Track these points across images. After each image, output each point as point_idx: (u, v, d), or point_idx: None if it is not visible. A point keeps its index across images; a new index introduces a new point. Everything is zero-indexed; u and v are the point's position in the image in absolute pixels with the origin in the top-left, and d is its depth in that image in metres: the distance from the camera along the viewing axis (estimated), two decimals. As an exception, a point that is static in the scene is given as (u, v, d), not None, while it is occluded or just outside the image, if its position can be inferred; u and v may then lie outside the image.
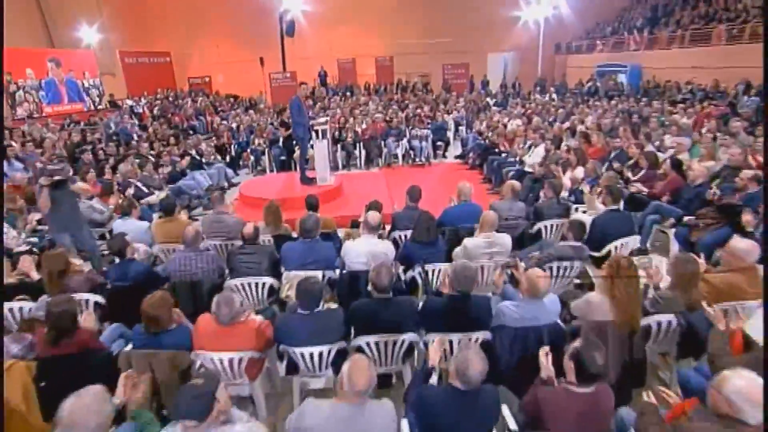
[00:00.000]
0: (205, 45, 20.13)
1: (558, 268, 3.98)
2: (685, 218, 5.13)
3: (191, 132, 11.84)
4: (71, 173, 5.48)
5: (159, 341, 3.05)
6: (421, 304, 3.28)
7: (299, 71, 18.34)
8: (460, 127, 13.02)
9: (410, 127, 10.91)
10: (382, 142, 10.55)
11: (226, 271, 4.11)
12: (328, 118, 7.74)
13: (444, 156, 11.19)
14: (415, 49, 20.16)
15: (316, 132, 7.44)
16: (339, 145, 10.40)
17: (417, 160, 10.38)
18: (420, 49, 20.22)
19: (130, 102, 14.15)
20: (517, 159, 7.97)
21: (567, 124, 9.45)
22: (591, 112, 10.88)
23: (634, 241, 4.53)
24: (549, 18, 19.60)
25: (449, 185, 8.91)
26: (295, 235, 4.63)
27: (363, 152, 10.46)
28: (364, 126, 10.85)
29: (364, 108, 13.70)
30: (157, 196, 6.54)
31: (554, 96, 15.73)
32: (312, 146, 7.65)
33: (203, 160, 8.59)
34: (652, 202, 5.54)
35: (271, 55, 18.87)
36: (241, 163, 10.41)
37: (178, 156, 8.17)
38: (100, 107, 14.68)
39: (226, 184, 8.94)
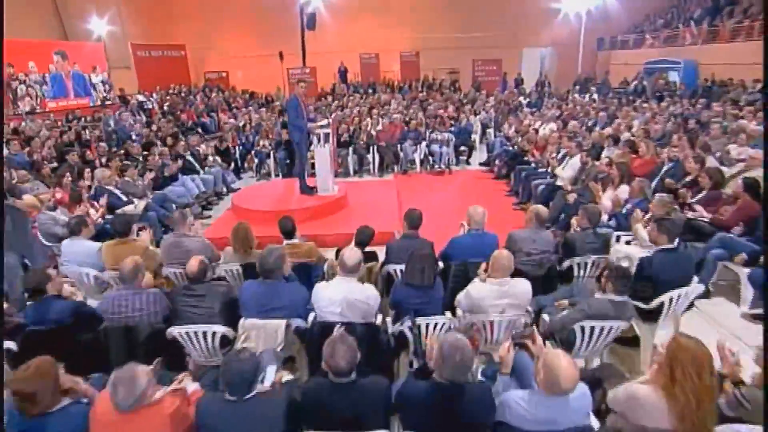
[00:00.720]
0: (224, 39, 19.66)
1: (592, 329, 2.99)
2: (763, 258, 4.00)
3: (198, 130, 11.26)
4: (15, 182, 4.87)
5: (42, 427, 2.27)
6: (396, 389, 2.38)
7: (319, 66, 17.65)
8: (488, 130, 11.94)
9: (430, 130, 9.94)
10: (399, 146, 9.64)
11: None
12: (329, 121, 6.88)
13: (467, 162, 10.16)
14: (443, 43, 19.03)
15: (317, 136, 6.63)
16: (351, 149, 9.56)
17: (436, 166, 9.41)
18: (449, 44, 19.07)
19: (141, 97, 13.74)
20: (549, 170, 6.89)
21: (609, 130, 8.25)
22: (638, 115, 9.58)
23: (694, 291, 3.47)
24: (592, 10, 18.04)
25: (470, 197, 7.93)
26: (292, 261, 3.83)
27: (377, 157, 9.57)
28: (380, 127, 9.95)
29: (384, 108, 12.82)
30: (135, 206, 5.88)
31: (595, 96, 14.33)
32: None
33: (198, 163, 7.89)
34: (717, 232, 4.42)
35: (291, 50, 18.23)
36: (245, 165, 9.74)
37: (171, 158, 7.52)
38: (108, 102, 14.34)
39: (224, 190, 8.27)
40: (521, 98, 14.85)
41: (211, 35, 19.50)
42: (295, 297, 3.11)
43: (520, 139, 8.74)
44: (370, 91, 17.66)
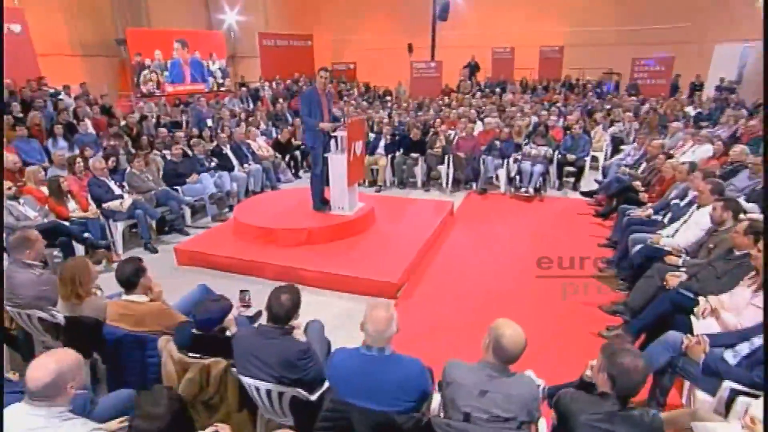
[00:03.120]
0: (358, 30, 19.22)
1: None
2: None
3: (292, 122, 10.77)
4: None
5: None
6: None
7: (448, 61, 15.99)
8: (624, 147, 9.00)
9: (526, 142, 7.72)
10: (482, 160, 7.68)
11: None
12: (344, 122, 5.42)
13: (574, 188, 7.65)
14: (596, 38, 15.52)
15: (335, 140, 5.28)
16: (422, 158, 7.91)
17: (522, 189, 7.20)
18: (604, 39, 15.50)
19: (256, 85, 13.97)
20: (663, 220, 4.35)
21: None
22: None
23: None
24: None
25: (549, 239, 5.63)
26: (115, 325, 2.63)
27: (451, 169, 7.76)
28: (463, 134, 8.08)
29: (484, 110, 10.81)
30: (120, 203, 5.31)
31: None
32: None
33: (239, 159, 7.16)
34: None
35: (421, 42, 17.05)
36: (305, 164, 8.85)
37: (208, 151, 6.93)
38: (222, 89, 14.99)
39: (266, 189, 7.43)
40: (689, 108, 11.12)
41: (346, 26, 19.34)
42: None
43: (643, 165, 6.03)
44: (498, 89, 15.39)
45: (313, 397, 2.29)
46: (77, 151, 7.07)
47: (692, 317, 2.96)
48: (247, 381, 2.27)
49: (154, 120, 9.03)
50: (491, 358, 1.94)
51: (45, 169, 5.91)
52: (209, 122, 9.31)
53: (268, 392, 2.26)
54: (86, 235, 4.83)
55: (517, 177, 7.36)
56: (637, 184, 5.60)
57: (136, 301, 2.67)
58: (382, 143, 8.18)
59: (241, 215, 5.53)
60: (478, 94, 14.43)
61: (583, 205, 6.89)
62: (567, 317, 3.91)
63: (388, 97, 14.97)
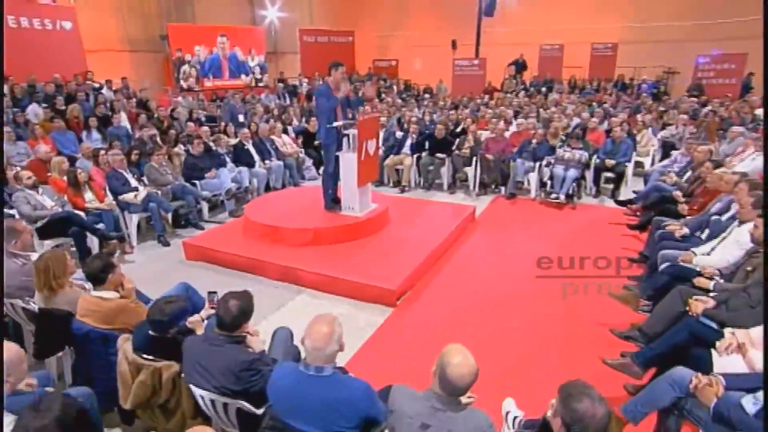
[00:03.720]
0: (405, 26, 18.96)
1: None
2: None
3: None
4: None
5: None
6: None
7: (493, 58, 15.39)
8: (675, 153, 8.23)
9: (560, 145, 7.20)
10: (512, 162, 7.26)
11: None
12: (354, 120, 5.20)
13: (612, 196, 7.05)
14: (657, 35, 14.39)
15: (347, 137, 5.10)
16: (449, 158, 7.59)
17: (553, 195, 6.73)
18: (666, 35, 14.31)
19: (295, 81, 14.05)
20: (700, 236, 3.84)
21: None
22: None
23: None
24: None
25: (573, 251, 5.18)
26: (83, 321, 2.58)
27: (478, 172, 7.39)
28: (492, 134, 7.67)
29: (520, 110, 10.29)
30: (135, 195, 5.40)
31: None
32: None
33: (261, 154, 7.17)
34: None
35: (465, 39, 16.57)
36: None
37: (229, 147, 6.98)
38: (260, 84, 15.19)
39: (289, 186, 7.40)
40: (758, 111, 10.03)
41: (390, 22, 19.11)
42: None
43: (689, 173, 5.41)
44: (544, 89, 14.65)
45: (260, 411, 2.13)
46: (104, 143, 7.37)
47: (714, 351, 2.54)
48: (192, 388, 2.15)
49: (186, 115, 9.24)
50: (437, 388, 1.69)
51: (75, 160, 6.18)
52: (241, 118, 9.42)
53: (213, 402, 2.13)
54: (99, 225, 4.94)
55: (549, 182, 6.90)
56: (678, 194, 5.03)
57: (104, 297, 2.62)
58: (408, 142, 7.94)
59: (251, 212, 5.48)
60: (522, 93, 13.83)
61: (618, 214, 6.32)
62: (577, 339, 3.54)
63: (427, 95, 14.63)
